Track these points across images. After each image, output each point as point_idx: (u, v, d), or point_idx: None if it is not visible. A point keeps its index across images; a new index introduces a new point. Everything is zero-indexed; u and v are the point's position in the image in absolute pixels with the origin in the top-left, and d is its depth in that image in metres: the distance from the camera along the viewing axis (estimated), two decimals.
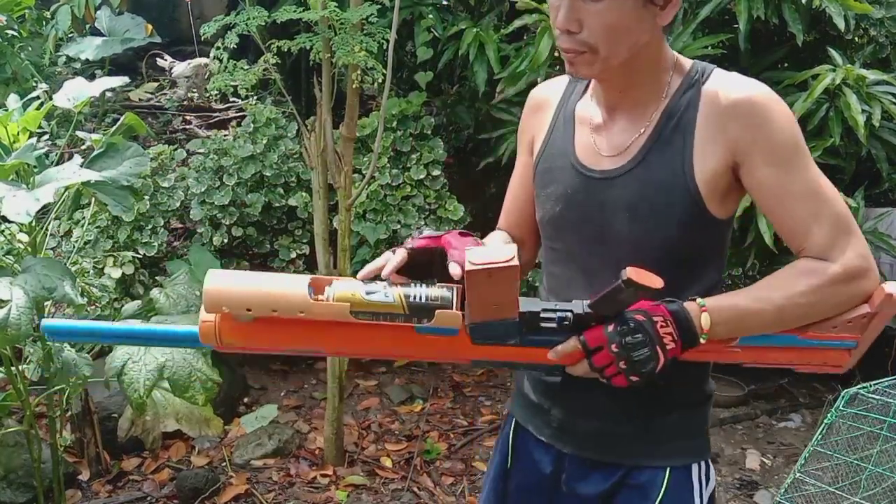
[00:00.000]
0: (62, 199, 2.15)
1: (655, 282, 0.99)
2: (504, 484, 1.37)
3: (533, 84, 2.96)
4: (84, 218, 3.02)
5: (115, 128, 2.15)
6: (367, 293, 1.01)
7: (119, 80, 2.23)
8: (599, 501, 1.26)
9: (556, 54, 2.91)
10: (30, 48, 4.03)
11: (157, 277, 3.14)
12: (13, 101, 2.12)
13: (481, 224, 3.48)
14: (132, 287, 3.13)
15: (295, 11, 2.34)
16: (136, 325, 1.18)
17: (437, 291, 1.03)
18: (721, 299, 1.09)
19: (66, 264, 2.06)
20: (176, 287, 2.30)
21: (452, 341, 1.04)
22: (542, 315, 1.06)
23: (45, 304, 2.06)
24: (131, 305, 2.31)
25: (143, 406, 2.04)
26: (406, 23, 3.27)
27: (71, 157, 2.24)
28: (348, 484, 2.75)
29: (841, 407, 2.50)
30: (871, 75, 2.79)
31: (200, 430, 2.92)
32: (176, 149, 3.56)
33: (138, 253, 3.15)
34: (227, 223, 3.24)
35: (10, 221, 1.97)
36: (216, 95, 2.53)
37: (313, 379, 3.41)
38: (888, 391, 2.48)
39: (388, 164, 3.34)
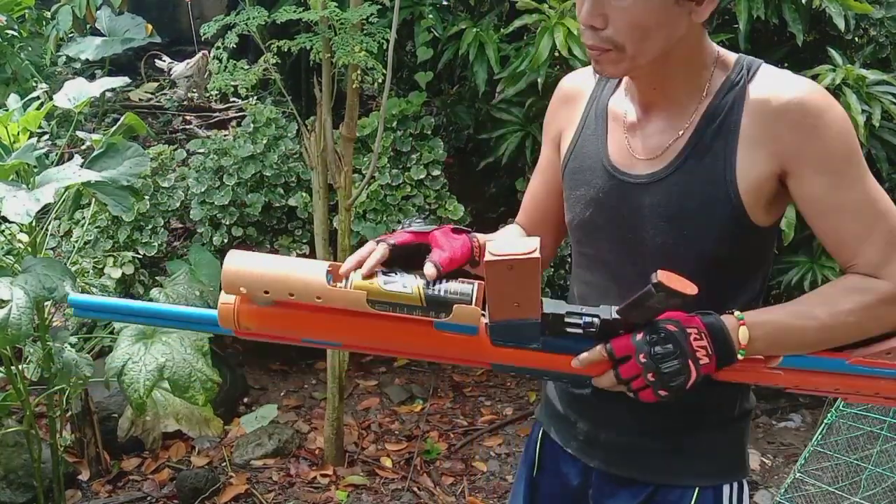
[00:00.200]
0: (62, 199, 2.15)
1: (688, 287, 0.93)
2: (532, 492, 1.32)
3: (533, 84, 2.97)
4: (84, 218, 3.02)
5: (115, 128, 2.15)
6: (386, 283, 0.99)
7: (119, 81, 2.23)
8: None
9: (556, 54, 2.91)
10: (30, 48, 4.03)
11: (157, 277, 3.14)
12: (13, 101, 2.12)
13: (481, 224, 3.49)
14: (132, 287, 3.13)
15: (295, 11, 2.34)
16: (159, 305, 1.19)
17: (457, 286, 0.99)
18: (761, 313, 1.02)
19: (66, 264, 2.06)
20: (176, 287, 2.30)
21: (471, 341, 1.00)
22: (567, 319, 1.01)
23: (46, 304, 2.07)
24: None
25: (143, 406, 2.05)
26: (406, 23, 3.27)
27: (71, 157, 2.24)
28: (348, 484, 2.75)
29: (841, 407, 2.50)
30: (871, 75, 2.79)
31: (200, 430, 2.91)
32: (176, 149, 3.57)
33: (138, 253, 3.15)
34: (227, 223, 3.24)
35: (10, 221, 1.97)
36: (216, 95, 2.53)
37: (313, 379, 3.41)
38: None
39: (388, 164, 3.34)
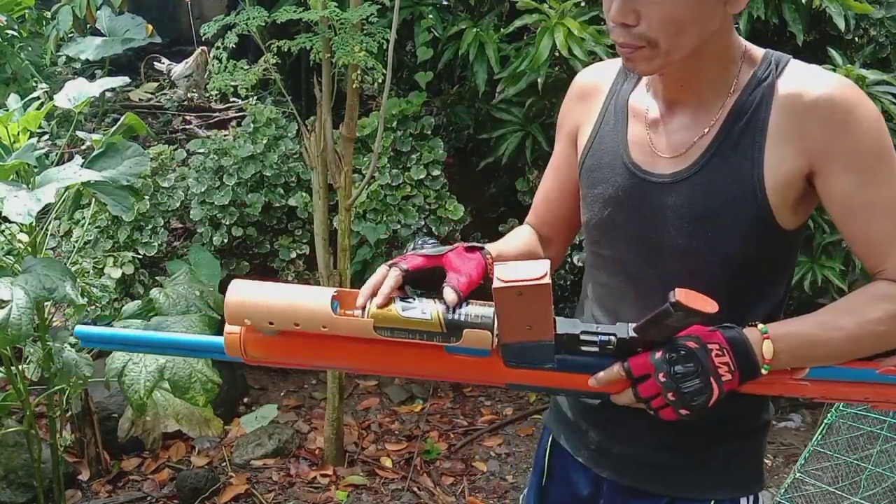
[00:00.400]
0: (62, 199, 2.15)
1: (708, 305, 0.90)
2: (542, 500, 1.30)
3: (533, 84, 2.97)
4: (84, 218, 3.02)
5: (115, 128, 2.15)
6: (404, 309, 0.96)
7: (119, 81, 2.23)
8: None
9: (557, 54, 2.91)
10: (30, 48, 4.03)
11: (157, 277, 3.14)
12: (13, 101, 2.12)
13: (481, 224, 3.49)
14: (132, 287, 3.13)
15: (295, 11, 2.34)
16: (167, 335, 1.19)
17: (477, 310, 0.96)
18: (785, 325, 0.98)
19: (66, 264, 2.06)
20: (176, 287, 2.30)
21: (484, 363, 0.98)
22: (582, 338, 0.98)
23: (46, 304, 2.06)
24: (131, 305, 2.31)
25: (144, 407, 2.04)
26: (406, 23, 3.27)
27: (71, 157, 2.24)
28: (348, 484, 2.75)
29: (841, 407, 2.50)
30: (871, 75, 2.79)
31: (200, 430, 2.91)
32: (176, 149, 3.57)
33: (138, 253, 3.15)
34: (228, 223, 3.24)
35: (10, 221, 1.97)
36: (216, 95, 2.53)
37: (313, 379, 3.41)
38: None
39: (388, 164, 3.34)
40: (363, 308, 0.96)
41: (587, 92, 1.20)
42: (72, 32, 4.29)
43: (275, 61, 2.41)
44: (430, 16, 3.31)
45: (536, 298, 0.92)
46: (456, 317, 0.95)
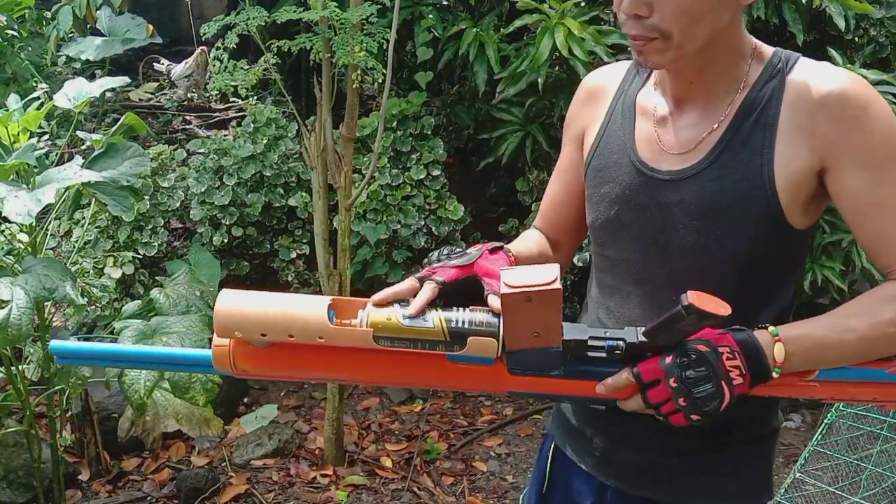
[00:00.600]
0: (62, 200, 2.15)
1: (721, 308, 0.87)
2: None
3: (533, 84, 2.97)
4: (84, 218, 3.02)
5: (115, 128, 2.15)
6: (405, 317, 0.92)
7: (119, 81, 2.23)
8: None
9: (557, 54, 2.91)
10: (30, 48, 4.03)
11: (157, 277, 3.15)
12: (13, 101, 2.12)
13: (481, 224, 3.49)
14: (132, 287, 3.13)
15: (295, 11, 2.34)
16: (149, 348, 1.13)
17: (481, 316, 0.93)
18: (796, 327, 0.96)
19: (66, 264, 2.06)
20: (176, 287, 2.30)
21: (488, 371, 0.94)
22: (590, 343, 0.95)
23: (46, 304, 2.06)
24: (131, 305, 2.31)
25: (144, 407, 2.04)
26: (406, 23, 3.27)
27: (71, 157, 2.24)
28: (348, 484, 2.75)
29: (841, 407, 2.50)
30: (871, 75, 2.79)
31: (200, 430, 2.91)
32: (176, 149, 3.57)
33: (138, 253, 3.15)
34: (228, 223, 3.25)
35: (10, 221, 1.97)
36: (216, 95, 2.53)
37: None
38: None
39: (388, 164, 3.34)
40: (386, 304, 0.93)
41: (594, 94, 1.19)
42: (72, 32, 4.30)
43: (275, 61, 2.41)
44: (430, 16, 3.31)
45: (546, 304, 0.89)
46: (459, 324, 0.92)
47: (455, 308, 0.94)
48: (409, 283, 0.97)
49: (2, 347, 1.94)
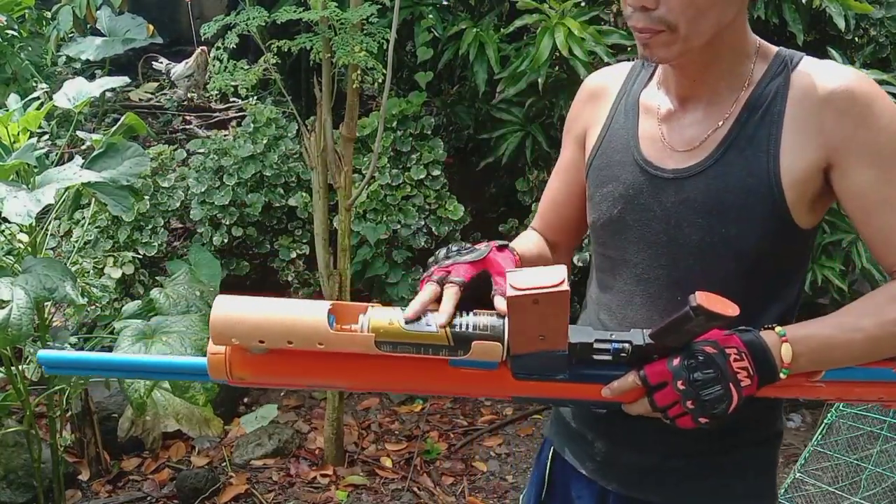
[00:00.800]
0: (62, 200, 2.15)
1: (729, 309, 0.86)
2: None
3: (533, 84, 2.97)
4: (84, 218, 3.03)
5: (115, 128, 2.15)
6: (407, 321, 0.89)
7: (119, 80, 2.23)
8: None
9: (557, 54, 2.91)
10: (30, 48, 4.03)
11: (157, 277, 3.15)
12: (13, 101, 2.12)
13: (481, 224, 3.49)
14: (132, 287, 3.13)
15: (295, 12, 2.34)
16: (140, 356, 1.09)
17: (485, 320, 0.90)
18: (803, 327, 0.95)
19: (66, 264, 2.06)
20: (176, 287, 2.30)
21: (491, 376, 0.92)
22: (595, 346, 0.93)
23: (46, 304, 2.06)
24: (131, 305, 2.31)
25: (144, 406, 2.04)
26: (406, 23, 3.27)
27: (71, 157, 2.24)
28: (348, 484, 2.75)
29: (841, 407, 2.51)
30: (872, 75, 2.78)
31: (200, 430, 2.91)
32: (176, 149, 3.57)
33: (138, 253, 3.15)
34: (228, 223, 3.25)
35: (10, 221, 1.97)
36: (216, 95, 2.53)
37: None
38: None
39: (388, 164, 3.34)
40: (417, 318, 0.90)
41: (596, 94, 1.18)
42: (72, 32, 4.30)
43: (275, 61, 2.41)
44: (430, 16, 3.32)
45: (553, 307, 0.86)
46: (463, 328, 0.89)
47: (458, 312, 0.92)
48: (431, 289, 0.94)
49: (2, 347, 1.94)
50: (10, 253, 2.20)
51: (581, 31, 2.86)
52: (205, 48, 4.26)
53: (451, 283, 0.93)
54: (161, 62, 4.64)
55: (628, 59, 1.18)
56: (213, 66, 2.47)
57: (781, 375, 0.92)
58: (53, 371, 1.16)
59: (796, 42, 2.85)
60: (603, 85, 1.18)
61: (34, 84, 3.72)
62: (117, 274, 3.03)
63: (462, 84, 3.63)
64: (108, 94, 4.26)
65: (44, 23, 4.30)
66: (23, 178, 1.94)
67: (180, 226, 3.54)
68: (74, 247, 2.70)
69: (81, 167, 1.97)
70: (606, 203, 1.10)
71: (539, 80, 2.93)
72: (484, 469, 2.89)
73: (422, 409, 3.22)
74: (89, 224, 3.09)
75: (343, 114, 2.50)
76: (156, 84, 4.79)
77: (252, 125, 3.43)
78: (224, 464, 2.81)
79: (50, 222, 2.22)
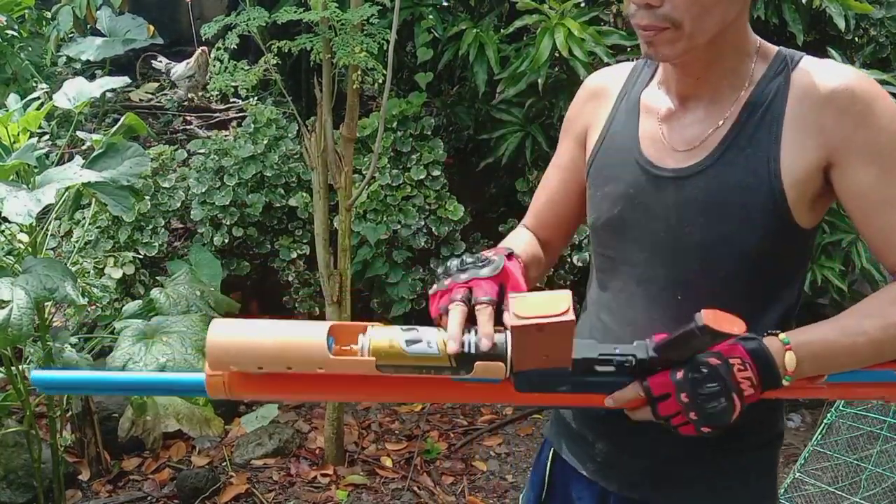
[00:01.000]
0: (62, 200, 2.15)
1: (736, 327, 0.86)
2: None
3: (533, 84, 2.97)
4: (84, 218, 3.03)
5: (115, 128, 2.15)
6: (409, 343, 0.88)
7: (120, 81, 2.23)
8: None
9: (557, 55, 2.91)
10: (30, 48, 4.04)
11: (157, 277, 3.15)
12: (13, 101, 2.12)
13: (481, 224, 3.49)
14: (133, 287, 3.13)
15: (295, 12, 2.34)
16: (139, 374, 1.08)
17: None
18: (807, 333, 0.95)
19: (66, 264, 2.06)
20: (176, 287, 2.30)
21: (494, 388, 0.92)
22: (599, 358, 0.93)
23: (46, 304, 2.07)
24: (132, 305, 2.32)
25: (144, 406, 2.05)
26: (406, 23, 3.28)
27: (71, 157, 2.24)
28: (348, 483, 2.75)
29: (841, 407, 2.51)
30: (872, 75, 2.79)
31: (201, 429, 2.92)
32: (176, 149, 3.57)
33: (139, 253, 3.15)
34: (228, 223, 3.25)
35: (10, 221, 1.97)
36: (216, 95, 2.53)
37: None
38: None
39: (389, 165, 3.34)
40: (459, 355, 0.88)
41: (597, 93, 1.18)
42: (72, 33, 4.30)
43: (275, 62, 2.41)
44: (431, 16, 3.32)
45: (558, 334, 0.86)
46: (465, 348, 0.88)
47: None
48: (460, 310, 0.91)
49: (2, 347, 1.94)
50: (11, 253, 2.21)
51: (581, 32, 2.87)
52: (205, 49, 4.26)
53: (483, 303, 0.91)
54: (161, 61, 4.64)
55: (628, 60, 1.18)
56: (214, 66, 2.47)
57: (784, 383, 0.92)
58: (50, 392, 1.12)
59: (796, 42, 2.85)
60: (604, 85, 1.18)
61: (34, 84, 3.72)
62: (118, 274, 3.03)
63: (462, 84, 3.63)
64: (109, 95, 4.26)
65: (44, 23, 4.30)
66: (23, 178, 1.94)
67: (181, 226, 3.54)
68: (75, 247, 2.71)
69: (82, 167, 1.97)
70: (607, 203, 1.10)
71: (539, 81, 2.93)
72: (484, 469, 2.89)
73: (422, 409, 3.22)
74: (90, 224, 3.09)
75: (343, 114, 2.51)
76: (156, 84, 4.79)
77: (252, 125, 3.43)
78: (224, 463, 2.81)
79: (50, 222, 2.23)
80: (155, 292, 2.28)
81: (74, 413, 2.59)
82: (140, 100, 4.59)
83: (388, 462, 2.87)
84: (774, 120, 0.99)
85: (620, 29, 3.06)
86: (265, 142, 3.35)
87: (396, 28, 2.37)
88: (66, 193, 2.14)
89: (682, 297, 1.04)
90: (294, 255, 3.32)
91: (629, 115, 1.11)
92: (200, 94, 4.48)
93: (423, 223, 3.29)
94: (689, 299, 1.03)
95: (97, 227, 3.18)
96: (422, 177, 3.32)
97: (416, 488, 2.75)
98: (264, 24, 2.39)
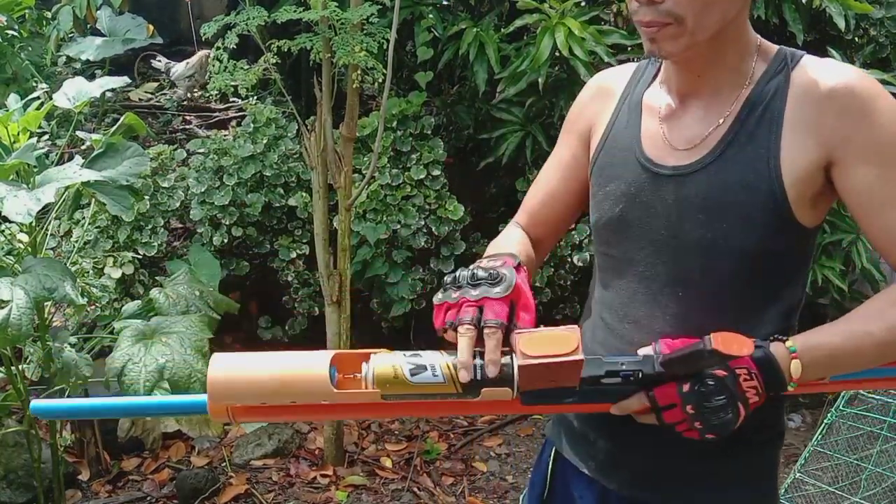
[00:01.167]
0: (62, 199, 2.15)
1: (745, 349, 0.86)
2: None
3: (534, 84, 2.97)
4: (84, 218, 3.02)
5: (115, 128, 2.15)
6: (412, 372, 0.87)
7: (119, 80, 2.23)
8: None
9: (557, 54, 2.91)
10: (30, 48, 4.03)
11: (157, 277, 3.14)
12: (13, 101, 2.12)
13: (481, 224, 3.49)
14: (132, 287, 3.13)
15: (295, 11, 2.34)
16: (142, 399, 1.09)
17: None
18: (812, 338, 0.96)
19: (66, 264, 2.06)
20: (176, 287, 2.30)
21: (499, 402, 0.92)
22: (606, 373, 0.94)
23: (46, 304, 2.06)
24: (131, 305, 2.31)
25: None
26: (406, 23, 3.27)
27: (71, 157, 2.24)
28: (348, 484, 2.75)
29: (841, 407, 2.50)
30: (872, 75, 2.79)
31: (200, 430, 2.91)
32: (176, 149, 3.57)
33: (138, 253, 3.15)
34: (227, 223, 3.24)
35: (10, 221, 1.97)
36: (216, 95, 2.53)
37: None
38: (888, 391, 2.48)
39: (388, 164, 3.34)
40: (470, 385, 0.88)
41: (601, 92, 1.19)
42: (72, 32, 4.30)
43: (275, 61, 2.41)
44: (431, 16, 3.31)
45: (567, 370, 0.87)
46: (473, 374, 0.88)
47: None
48: (471, 336, 0.90)
49: (2, 347, 1.94)
50: (10, 253, 2.20)
51: (581, 31, 2.86)
52: (208, 52, 4.26)
53: (492, 327, 0.90)
54: (160, 61, 4.64)
55: (628, 59, 1.19)
56: (213, 66, 2.47)
57: (789, 388, 0.94)
58: (48, 417, 1.13)
59: (796, 42, 2.85)
60: (608, 84, 1.18)
61: (34, 84, 3.71)
62: (117, 274, 3.03)
63: (462, 84, 3.63)
64: (108, 94, 4.25)
65: (44, 23, 4.29)
66: (23, 178, 1.94)
67: (180, 226, 3.54)
68: (74, 247, 2.70)
69: (81, 167, 1.97)
70: (608, 202, 1.10)
71: (539, 80, 2.92)
72: (484, 469, 2.89)
73: None
74: (89, 224, 3.09)
75: (343, 114, 2.50)
76: (156, 84, 4.78)
77: (252, 125, 3.42)
78: (224, 464, 2.81)
79: (50, 222, 2.22)
80: (154, 292, 2.28)
81: None
82: (139, 99, 4.58)
83: (387, 462, 2.87)
84: (774, 118, 0.99)
85: (621, 28, 3.06)
86: (265, 141, 3.35)
87: (396, 27, 2.37)
88: (66, 193, 2.14)
89: (683, 295, 1.04)
90: (293, 255, 3.32)
91: (631, 114, 1.12)
92: (199, 93, 4.48)
93: (422, 223, 3.28)
94: (690, 297, 1.04)
95: (96, 227, 3.18)
96: (422, 176, 3.32)
97: (415, 489, 2.74)
98: (264, 24, 2.39)
